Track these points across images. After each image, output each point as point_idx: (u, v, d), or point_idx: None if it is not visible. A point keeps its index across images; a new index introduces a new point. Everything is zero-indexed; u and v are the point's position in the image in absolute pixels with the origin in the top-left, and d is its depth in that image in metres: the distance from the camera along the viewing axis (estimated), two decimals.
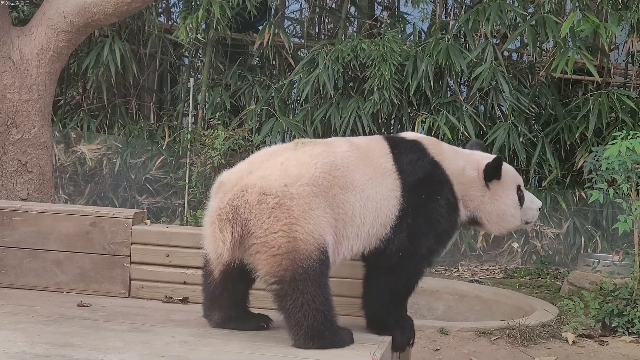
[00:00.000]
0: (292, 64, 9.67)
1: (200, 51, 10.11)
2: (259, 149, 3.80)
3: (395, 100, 8.70)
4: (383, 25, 9.74)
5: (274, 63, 10.05)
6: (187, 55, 10.43)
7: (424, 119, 8.67)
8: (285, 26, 9.99)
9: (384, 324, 3.63)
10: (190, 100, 9.52)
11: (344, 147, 3.56)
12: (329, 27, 10.75)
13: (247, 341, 3.44)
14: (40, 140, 6.03)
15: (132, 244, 4.18)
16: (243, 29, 10.19)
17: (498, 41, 9.42)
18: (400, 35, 9.34)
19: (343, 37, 9.70)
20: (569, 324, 6.40)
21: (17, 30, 6.05)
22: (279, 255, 3.31)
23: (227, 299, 3.60)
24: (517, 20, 9.14)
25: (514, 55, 10.19)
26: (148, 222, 4.34)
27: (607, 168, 6.30)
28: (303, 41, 10.10)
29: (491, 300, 7.38)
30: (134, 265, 4.18)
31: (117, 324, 3.66)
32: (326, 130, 9.02)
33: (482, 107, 9.32)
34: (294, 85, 9.45)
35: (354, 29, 10.60)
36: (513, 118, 8.77)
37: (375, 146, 3.63)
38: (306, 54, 9.48)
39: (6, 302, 3.94)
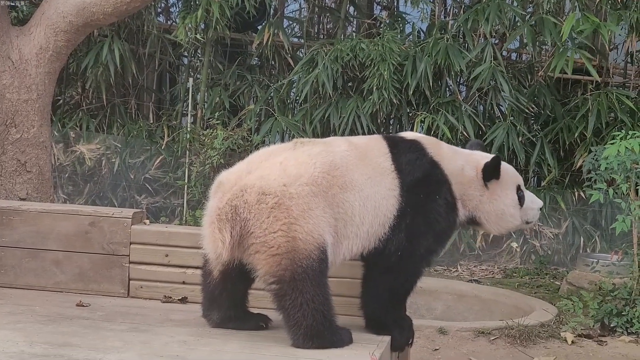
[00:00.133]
0: (291, 63, 9.67)
1: (199, 51, 10.11)
2: (258, 148, 3.79)
3: (394, 100, 8.70)
4: (382, 25, 9.75)
5: (273, 63, 10.06)
6: (186, 55, 10.44)
7: (423, 119, 8.68)
8: (284, 26, 9.99)
9: (383, 323, 3.63)
10: (190, 100, 9.52)
11: (343, 147, 3.57)
12: (328, 26, 10.75)
13: (246, 341, 3.44)
14: (39, 140, 6.02)
15: (131, 243, 4.17)
16: (242, 29, 10.19)
17: (497, 41, 9.42)
18: (399, 35, 9.35)
19: (342, 36, 9.70)
20: (568, 324, 6.40)
21: (16, 30, 6.05)
22: (278, 254, 3.31)
23: (226, 298, 3.60)
24: (517, 20, 9.14)
25: (513, 55, 10.19)
26: (147, 221, 4.34)
27: (606, 168, 6.30)
28: (302, 41, 10.10)
29: (490, 300, 7.38)
30: (133, 265, 4.18)
31: (116, 323, 3.66)
32: (325, 130, 9.02)
33: (481, 107, 9.33)
34: (293, 85, 9.45)
35: (353, 29, 10.60)
36: (512, 118, 8.78)
37: (374, 146, 3.63)
38: (305, 54, 9.48)
39: (5, 302, 3.94)
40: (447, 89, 9.22)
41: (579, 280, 7.46)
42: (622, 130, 6.62)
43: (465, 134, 8.64)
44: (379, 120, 9.17)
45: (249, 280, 3.51)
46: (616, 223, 6.27)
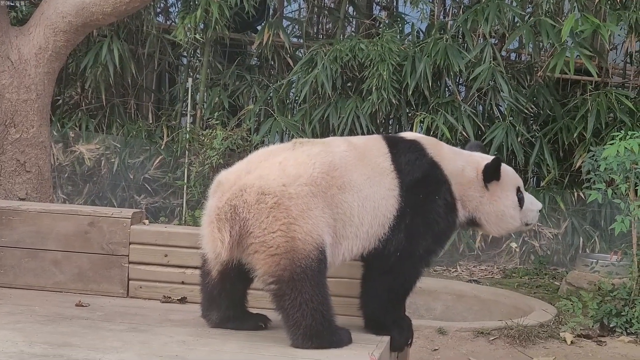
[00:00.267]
0: (291, 63, 9.67)
1: (198, 51, 10.11)
2: (257, 148, 3.79)
3: (393, 101, 8.70)
4: (381, 25, 9.74)
5: (272, 63, 10.06)
6: (186, 55, 10.44)
7: (422, 119, 8.68)
8: (283, 26, 9.99)
9: (382, 324, 3.63)
10: (189, 100, 9.52)
11: (342, 147, 3.56)
12: (327, 27, 10.75)
13: (246, 341, 3.44)
14: (38, 140, 6.02)
15: (130, 243, 4.17)
16: (241, 29, 10.19)
17: (496, 41, 9.42)
18: (398, 36, 9.35)
19: (341, 37, 9.70)
20: (567, 324, 6.40)
21: (16, 30, 6.05)
22: (277, 254, 3.31)
23: (225, 298, 3.60)
24: (516, 21, 9.14)
25: (513, 56, 10.19)
26: (146, 222, 4.34)
27: (605, 168, 6.30)
28: (301, 41, 10.10)
29: (489, 300, 7.38)
30: (132, 265, 4.18)
31: (115, 323, 3.66)
32: (324, 130, 9.02)
33: (481, 107, 9.32)
34: (293, 85, 9.45)
35: (353, 29, 10.60)
36: (511, 118, 8.78)
37: (374, 146, 3.63)
38: (304, 54, 9.48)
39: (4, 302, 3.94)
40: (447, 89, 9.22)
41: (578, 281, 7.46)
42: (622, 131, 6.63)
43: (465, 134, 8.64)
44: (378, 121, 9.17)
45: (248, 280, 3.51)
46: (615, 223, 6.28)
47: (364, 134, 8.41)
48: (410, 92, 8.76)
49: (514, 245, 8.80)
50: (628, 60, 9.72)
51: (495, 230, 3.85)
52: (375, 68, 8.60)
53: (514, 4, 9.21)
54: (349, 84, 9.27)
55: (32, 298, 4.04)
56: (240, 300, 3.64)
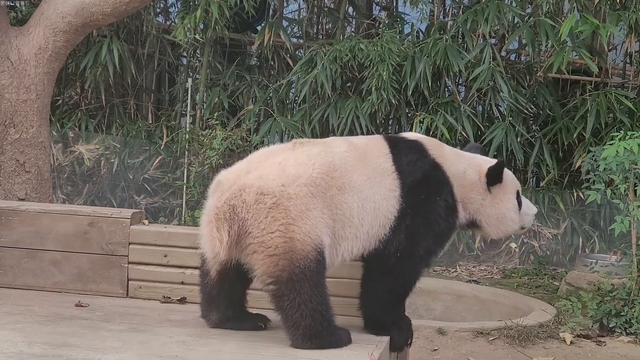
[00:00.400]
0: (290, 64, 9.67)
1: (198, 51, 10.10)
2: (257, 149, 3.80)
3: (393, 101, 8.70)
4: (381, 26, 9.74)
5: (272, 63, 10.05)
6: (185, 55, 10.43)
7: (422, 119, 8.68)
8: (283, 26, 9.99)
9: (382, 324, 3.63)
10: (189, 100, 9.52)
11: (343, 147, 3.56)
12: (327, 27, 10.74)
13: (245, 341, 3.44)
14: (38, 140, 6.02)
15: (130, 244, 4.17)
16: (241, 29, 10.19)
17: (496, 42, 9.42)
18: (398, 36, 9.35)
19: (341, 37, 9.70)
20: (566, 324, 6.40)
21: (15, 30, 6.05)
22: (276, 255, 3.31)
23: (225, 298, 3.60)
24: (516, 21, 9.14)
25: (512, 56, 10.19)
26: (146, 222, 4.34)
27: (604, 168, 6.30)
28: (301, 41, 10.10)
29: (489, 301, 7.38)
30: (132, 265, 4.18)
31: (114, 324, 3.66)
32: (324, 131, 9.02)
33: (480, 108, 9.32)
34: (292, 86, 9.44)
35: (352, 29, 10.60)
36: (511, 118, 8.78)
37: (374, 146, 3.63)
38: (304, 54, 9.48)
39: (4, 302, 3.94)
40: (446, 89, 9.21)
41: (577, 281, 7.46)
42: (621, 131, 6.63)
43: (464, 135, 8.64)
44: (377, 121, 9.17)
45: (247, 280, 3.51)
46: (615, 224, 6.28)
47: (364, 134, 8.41)
48: (410, 93, 8.75)
49: (513, 245, 8.80)
50: (628, 61, 9.72)
51: (494, 232, 3.86)
52: (375, 68, 8.59)
53: (514, 4, 9.20)
54: (348, 84, 9.27)
55: (32, 298, 4.04)
56: (239, 300, 3.65)
